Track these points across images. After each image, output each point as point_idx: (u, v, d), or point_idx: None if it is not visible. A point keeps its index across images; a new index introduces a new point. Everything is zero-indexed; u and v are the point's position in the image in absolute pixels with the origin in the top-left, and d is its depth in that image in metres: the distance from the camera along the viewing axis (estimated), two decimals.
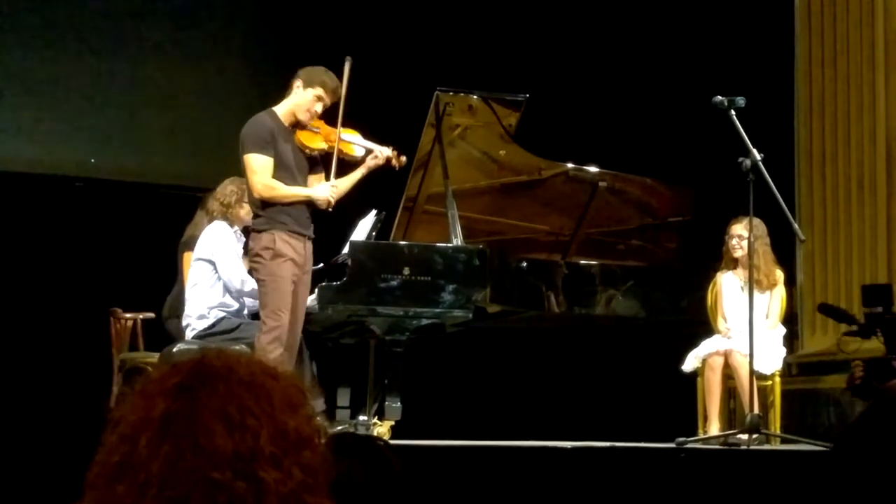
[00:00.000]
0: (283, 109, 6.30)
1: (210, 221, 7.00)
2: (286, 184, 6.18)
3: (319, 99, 6.26)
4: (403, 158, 6.59)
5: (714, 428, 7.01)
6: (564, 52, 9.54)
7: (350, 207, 6.71)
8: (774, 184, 6.30)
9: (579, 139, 8.69)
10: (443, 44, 9.34)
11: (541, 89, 7.60)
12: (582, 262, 7.33)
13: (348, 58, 6.36)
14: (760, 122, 6.65)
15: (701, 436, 7.00)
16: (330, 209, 6.29)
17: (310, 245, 6.29)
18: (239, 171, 7.28)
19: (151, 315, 7.43)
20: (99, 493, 1.40)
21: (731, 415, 7.47)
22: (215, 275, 6.86)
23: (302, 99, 6.27)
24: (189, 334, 6.86)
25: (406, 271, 6.45)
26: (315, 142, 6.36)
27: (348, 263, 6.45)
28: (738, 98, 6.36)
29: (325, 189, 6.25)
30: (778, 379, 7.20)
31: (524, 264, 6.97)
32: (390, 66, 9.16)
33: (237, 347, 6.18)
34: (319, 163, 6.45)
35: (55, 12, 8.99)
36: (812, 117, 8.43)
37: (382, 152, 6.45)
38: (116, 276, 8.20)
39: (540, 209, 7.61)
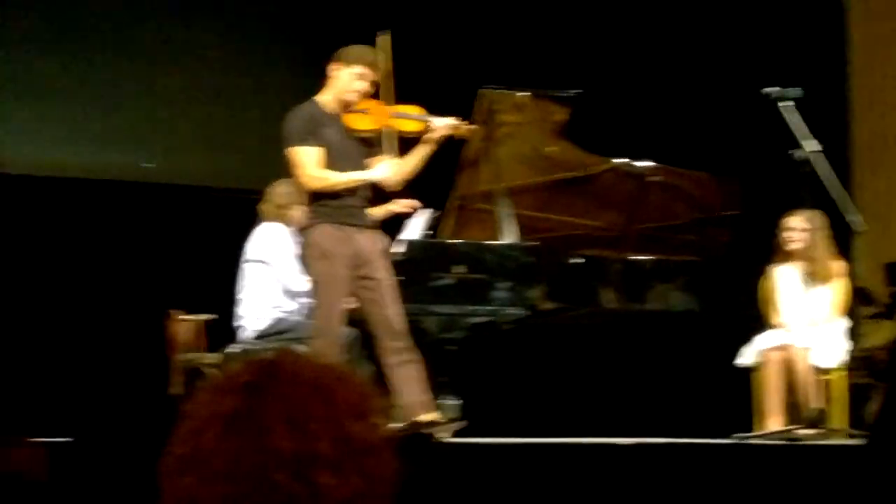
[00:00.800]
0: (325, 96, 6.04)
1: (263, 223, 7.03)
2: (338, 171, 5.95)
3: (360, 76, 5.95)
4: (473, 126, 6.35)
5: (774, 423, 6.95)
6: (614, 47, 9.50)
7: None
8: (830, 175, 6.24)
9: (631, 134, 8.66)
10: (491, 40, 9.33)
11: (590, 84, 7.57)
12: (635, 257, 7.31)
13: (383, 33, 6.08)
14: (815, 112, 6.59)
15: (758, 432, 6.94)
16: (396, 187, 6.10)
17: (366, 233, 6.02)
18: (288, 174, 7.34)
19: (213, 317, 7.48)
20: (170, 483, 1.43)
21: (791, 410, 7.40)
22: (271, 275, 6.89)
23: (341, 80, 5.98)
24: (243, 335, 6.91)
25: (459, 270, 6.45)
26: (364, 123, 6.05)
27: (402, 263, 6.45)
28: (792, 89, 6.30)
29: (386, 167, 5.99)
30: (839, 373, 7.11)
31: (577, 261, 6.96)
32: (440, 64, 9.16)
33: (297, 348, 6.23)
34: (376, 145, 6.10)
35: (98, 16, 9.05)
36: (867, 105, 8.35)
37: (444, 123, 6.14)
38: (175, 279, 8.26)
39: (591, 205, 7.59)
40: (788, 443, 6.43)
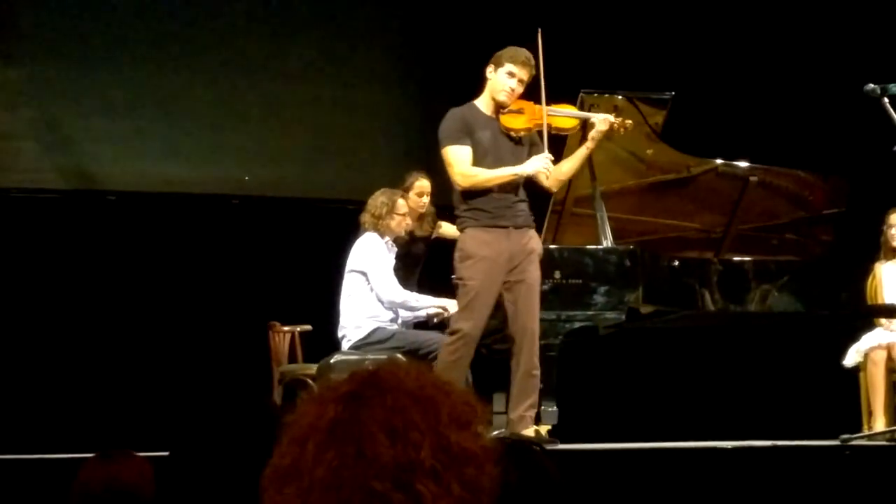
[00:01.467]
0: (482, 99, 6.12)
1: (362, 233, 7.10)
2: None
3: (511, 75, 6.01)
4: (629, 122, 6.35)
5: (880, 423, 6.85)
6: (710, 46, 9.41)
7: None
8: None
9: (728, 134, 8.58)
10: (585, 43, 9.30)
11: (687, 85, 7.53)
12: (735, 258, 7.24)
13: (539, 30, 6.15)
14: None
15: (866, 432, 6.84)
16: (553, 187, 6.16)
17: (519, 233, 6.02)
18: (388, 182, 7.39)
19: (309, 328, 7.55)
20: (271, 494, 1.44)
21: None
22: (368, 285, 6.95)
23: (495, 81, 6.05)
24: (345, 345, 6.97)
25: (557, 275, 6.44)
26: (519, 122, 6.08)
27: None
28: (892, 84, 6.18)
29: (538, 161, 5.99)
30: None
31: (676, 263, 6.92)
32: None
33: (394, 356, 6.27)
34: (538, 144, 6.12)
35: (200, 32, 9.18)
36: None
37: (600, 119, 6.19)
38: (274, 290, 8.35)
39: (690, 207, 7.54)
40: (893, 444, 6.33)
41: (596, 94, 6.83)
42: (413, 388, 1.47)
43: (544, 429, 6.35)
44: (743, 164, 7.36)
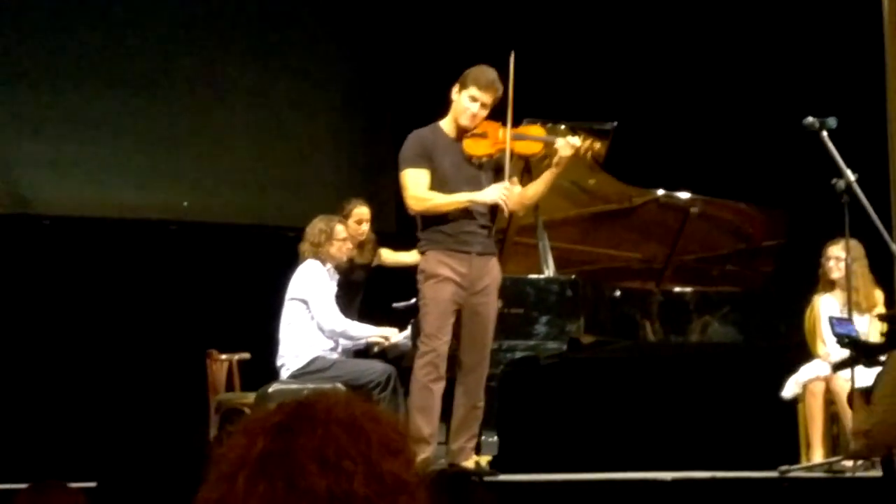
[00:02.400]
0: (446, 119, 5.96)
1: (303, 261, 7.04)
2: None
3: (474, 99, 5.82)
4: (598, 145, 6.20)
5: (817, 455, 6.88)
6: (652, 78, 9.47)
7: None
8: (870, 204, 6.18)
9: (669, 165, 8.62)
10: (529, 72, 9.32)
11: (629, 116, 7.55)
12: (676, 289, 7.27)
13: (512, 52, 5.99)
14: (854, 142, 6.54)
15: (804, 464, 6.86)
16: (507, 213, 6.00)
17: (481, 261, 5.90)
18: (329, 209, 7.35)
19: (247, 356, 7.47)
20: None
21: (835, 441, 7.32)
22: (309, 314, 6.90)
23: (458, 103, 5.87)
24: (284, 374, 6.90)
25: (499, 304, 6.41)
26: (481, 148, 5.90)
27: None
28: (830, 119, 6.24)
29: (495, 190, 5.82)
30: None
31: (618, 293, 6.92)
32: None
33: (333, 386, 6.21)
34: (499, 169, 5.94)
35: (139, 57, 9.11)
36: None
37: (566, 143, 5.94)
38: (212, 318, 8.26)
39: (632, 237, 7.56)
40: (832, 475, 6.35)
41: (539, 123, 6.82)
42: (343, 418, 1.45)
43: (484, 459, 6.32)
44: (684, 195, 7.39)
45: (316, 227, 7.02)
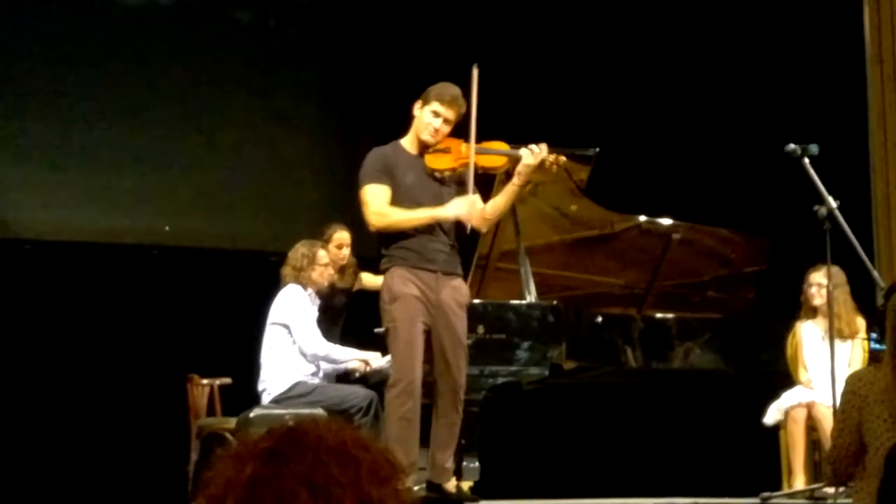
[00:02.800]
0: (407, 137, 5.88)
1: (284, 286, 7.04)
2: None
3: (436, 114, 5.74)
4: (563, 158, 6.04)
5: (799, 482, 6.88)
6: (634, 104, 9.51)
7: None
8: (852, 231, 6.19)
9: (651, 191, 8.65)
10: (511, 99, 9.35)
11: (611, 142, 7.57)
12: (658, 315, 7.28)
13: (475, 65, 5.90)
14: (835, 169, 6.56)
15: (786, 490, 6.86)
16: (471, 228, 5.82)
17: (447, 280, 5.77)
18: (310, 234, 7.34)
19: (228, 381, 7.45)
20: None
21: (816, 467, 7.32)
22: (290, 338, 6.89)
23: (421, 119, 5.80)
24: (265, 399, 6.88)
25: (480, 330, 6.40)
26: (444, 162, 5.81)
27: None
28: (812, 146, 6.26)
29: (460, 204, 5.72)
30: None
31: (599, 319, 6.92)
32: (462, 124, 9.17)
33: (314, 411, 6.19)
34: (462, 184, 5.83)
35: (120, 81, 9.11)
36: (888, 162, 8.33)
37: (531, 152, 5.83)
38: (193, 343, 8.24)
39: (614, 263, 7.57)
40: (813, 502, 6.36)
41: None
42: (333, 444, 1.46)
43: (466, 485, 6.30)
44: (666, 221, 7.41)
45: (298, 251, 7.02)
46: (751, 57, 9.42)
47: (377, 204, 5.72)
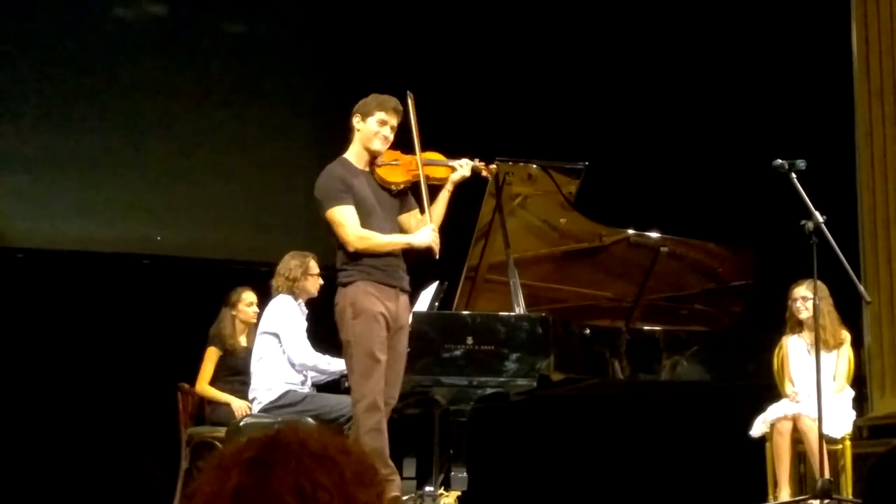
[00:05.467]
0: (352, 152, 5.93)
1: (275, 296, 7.07)
2: (372, 227, 5.78)
3: (383, 122, 5.84)
4: (493, 167, 6.20)
5: (784, 494, 6.92)
6: (623, 118, 9.56)
7: (413, 278, 6.68)
8: (838, 246, 6.24)
9: (640, 205, 8.68)
10: (501, 113, 9.40)
11: (600, 156, 7.62)
12: (645, 328, 7.31)
13: (409, 93, 6.00)
14: (822, 184, 6.61)
15: (771, 502, 6.90)
16: (436, 256, 5.89)
17: (404, 298, 5.89)
18: (299, 245, 7.36)
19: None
20: None
21: (802, 480, 7.36)
22: (280, 347, 6.92)
23: (366, 130, 5.87)
24: (256, 407, 6.91)
25: (469, 341, 6.43)
26: (397, 175, 5.92)
27: (412, 334, 6.44)
28: (799, 161, 6.30)
29: (427, 234, 5.84)
30: (848, 443, 7.09)
31: (587, 331, 6.95)
32: (450, 136, 9.21)
33: (304, 420, 6.22)
34: (410, 196, 6.02)
35: (113, 91, 9.14)
36: (874, 178, 8.38)
37: (465, 164, 6.02)
38: (183, 352, 8.25)
39: (602, 276, 7.60)
40: None
41: (510, 163, 6.87)
42: (316, 450, 1.47)
43: (454, 495, 6.33)
44: (654, 234, 7.44)
45: (290, 262, 7.06)
46: (739, 72, 9.47)
47: (355, 226, 5.76)
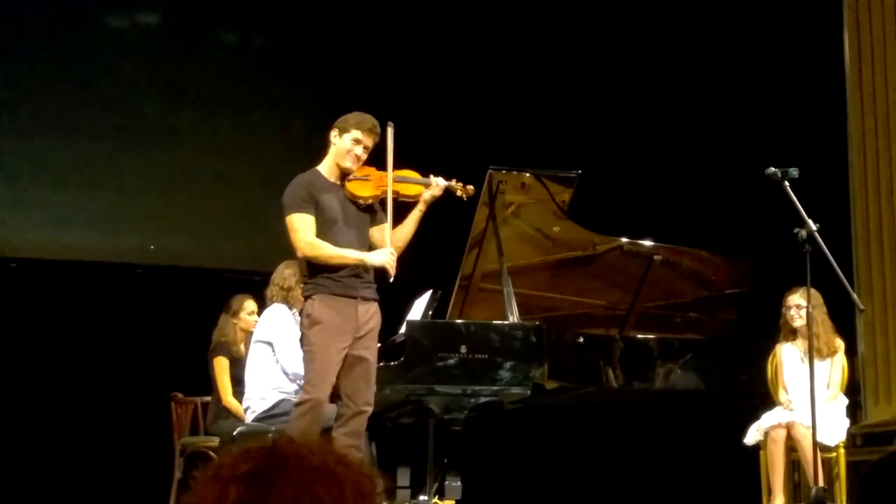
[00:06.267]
0: (325, 165, 6.01)
1: (269, 305, 7.07)
2: (335, 239, 5.83)
3: (357, 142, 5.92)
4: (470, 188, 6.17)
5: (779, 502, 6.92)
6: (616, 126, 9.57)
7: (406, 286, 6.69)
8: (831, 254, 6.24)
9: (634, 213, 8.69)
10: (495, 122, 9.41)
11: (594, 164, 7.63)
12: (639, 336, 7.31)
13: (389, 123, 6.05)
14: (815, 193, 6.62)
15: None
16: (391, 278, 5.91)
17: (368, 307, 5.90)
18: (293, 254, 7.36)
19: (208, 399, 7.46)
20: None
21: (796, 488, 7.37)
22: (274, 356, 6.91)
23: (340, 146, 5.95)
24: (249, 416, 6.90)
25: (463, 349, 6.43)
26: (366, 190, 5.97)
27: (405, 343, 6.45)
28: (792, 169, 6.31)
29: (382, 255, 5.86)
30: (842, 451, 7.09)
31: (581, 340, 6.95)
32: (444, 145, 9.23)
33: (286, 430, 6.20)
34: (378, 211, 6.05)
35: (107, 100, 9.14)
36: (867, 186, 8.40)
37: (439, 183, 6.03)
38: (177, 361, 8.25)
39: (595, 284, 7.60)
40: None
41: (504, 171, 6.87)
42: (316, 464, 1.45)
43: (448, 503, 6.34)
44: (647, 242, 7.45)
45: (284, 272, 7.05)
46: (732, 81, 9.49)
47: (308, 234, 5.83)
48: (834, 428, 7.03)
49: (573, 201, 7.15)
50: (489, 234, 6.97)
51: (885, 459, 2.32)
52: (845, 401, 7.28)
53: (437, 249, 6.44)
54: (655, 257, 7.40)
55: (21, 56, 8.96)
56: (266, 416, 6.82)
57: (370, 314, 5.94)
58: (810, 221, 6.21)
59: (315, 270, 5.88)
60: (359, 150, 5.94)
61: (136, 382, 8.35)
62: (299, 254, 5.90)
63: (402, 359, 6.38)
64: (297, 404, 5.87)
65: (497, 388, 6.51)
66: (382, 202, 5.99)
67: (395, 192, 5.99)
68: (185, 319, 8.63)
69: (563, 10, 9.86)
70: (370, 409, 5.93)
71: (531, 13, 9.88)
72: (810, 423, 6.40)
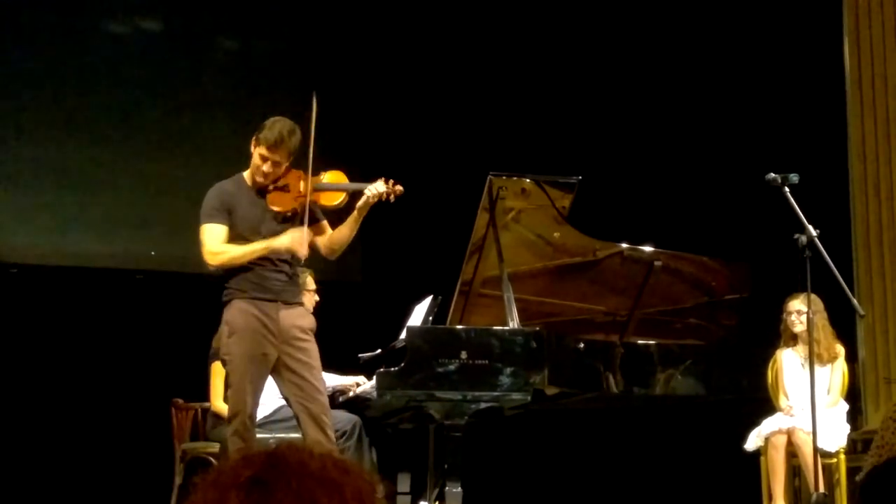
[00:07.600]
0: (249, 171, 5.87)
1: None
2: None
3: (264, 158, 5.72)
4: (399, 188, 5.93)
5: None
6: (617, 132, 9.58)
7: (406, 293, 6.70)
8: (831, 259, 6.25)
9: (634, 219, 8.69)
10: (494, 127, 9.41)
11: (594, 170, 7.63)
12: (639, 341, 7.30)
13: (314, 93, 5.90)
14: (816, 199, 6.63)
15: None
16: (301, 261, 5.76)
17: (290, 310, 5.75)
18: None
19: (207, 405, 7.45)
20: None
21: (797, 494, 7.37)
22: None
23: (253, 159, 5.79)
24: None
25: (463, 355, 6.42)
26: (283, 203, 5.80)
27: (406, 349, 6.45)
28: (792, 175, 6.31)
29: (288, 236, 5.68)
30: (843, 456, 7.09)
31: (581, 346, 6.94)
32: (444, 151, 9.24)
33: (298, 436, 6.21)
34: (298, 217, 5.82)
35: (107, 106, 9.14)
36: (867, 192, 8.40)
37: (372, 190, 5.80)
38: (178, 367, 8.25)
39: (596, 290, 7.59)
40: None
41: (504, 177, 6.87)
42: (316, 470, 1.45)
43: None
44: (648, 248, 7.44)
45: None
46: (732, 86, 9.49)
47: (211, 243, 5.68)
48: (834, 434, 7.03)
49: (573, 207, 7.15)
50: (489, 239, 6.96)
51: (883, 465, 2.33)
52: (846, 406, 7.28)
53: (438, 255, 6.43)
54: (656, 263, 7.39)
55: (22, 62, 8.96)
56: (266, 423, 6.82)
57: (294, 317, 5.77)
58: (810, 227, 6.21)
59: (231, 275, 5.72)
60: (267, 166, 5.74)
61: (137, 388, 8.35)
62: (208, 266, 5.73)
63: (403, 364, 6.37)
64: (228, 420, 5.70)
65: (497, 394, 6.50)
66: (302, 212, 5.78)
67: (314, 202, 5.82)
68: (185, 325, 8.62)
69: (563, 16, 9.86)
70: (322, 412, 5.75)
71: (531, 19, 9.89)
72: (811, 429, 6.40)
